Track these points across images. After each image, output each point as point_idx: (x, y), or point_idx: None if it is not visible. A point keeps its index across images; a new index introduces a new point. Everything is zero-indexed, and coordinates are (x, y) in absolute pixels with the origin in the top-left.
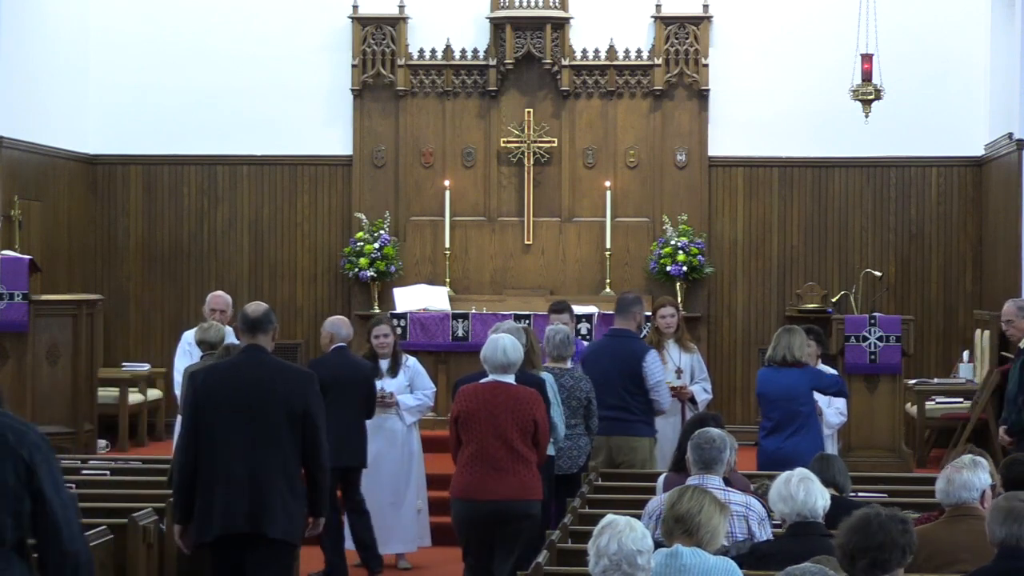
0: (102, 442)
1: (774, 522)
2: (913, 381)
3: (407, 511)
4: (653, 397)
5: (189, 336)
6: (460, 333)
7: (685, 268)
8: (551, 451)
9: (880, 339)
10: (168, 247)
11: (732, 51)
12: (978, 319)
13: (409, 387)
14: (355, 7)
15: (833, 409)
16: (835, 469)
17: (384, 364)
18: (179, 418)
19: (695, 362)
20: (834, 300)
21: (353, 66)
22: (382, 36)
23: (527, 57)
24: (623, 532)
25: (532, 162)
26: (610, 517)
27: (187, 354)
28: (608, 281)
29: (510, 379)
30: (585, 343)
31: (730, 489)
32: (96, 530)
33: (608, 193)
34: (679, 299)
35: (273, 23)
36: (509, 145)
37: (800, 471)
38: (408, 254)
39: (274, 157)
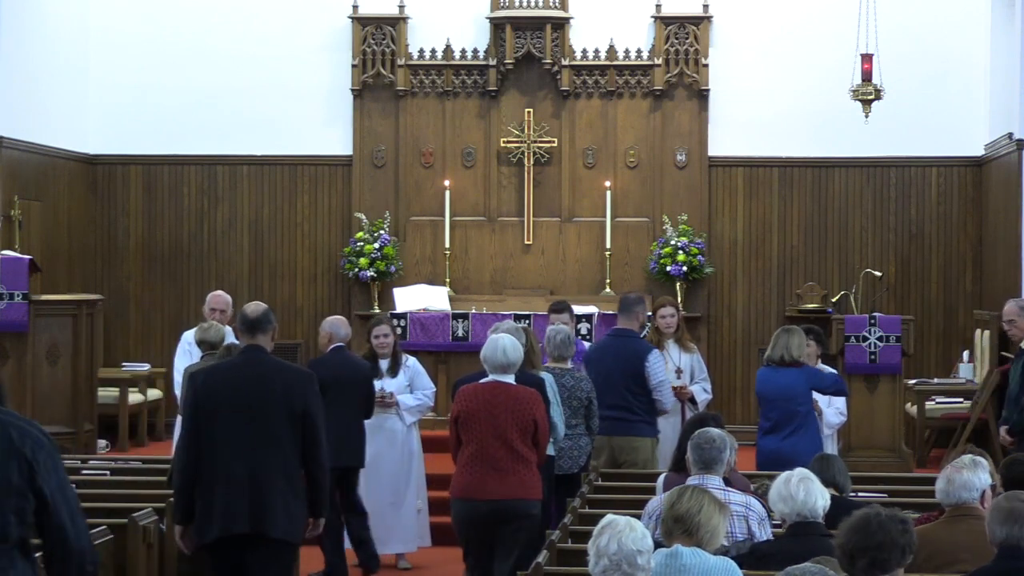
0: (102, 442)
1: (774, 522)
2: (913, 381)
3: (407, 511)
4: (656, 397)
5: (189, 336)
6: (460, 333)
7: (685, 268)
8: (551, 451)
9: (880, 339)
10: (168, 247)
11: (732, 51)
12: (978, 319)
13: (409, 387)
14: (355, 7)
15: (833, 409)
16: (835, 469)
17: (384, 364)
18: (179, 418)
19: (695, 362)
20: (834, 300)
21: (353, 66)
22: (382, 36)
23: (527, 57)
24: (623, 532)
25: (532, 162)
26: (610, 517)
27: (187, 354)
28: (608, 281)
29: (510, 379)
30: (585, 343)
31: (730, 489)
32: (96, 530)
33: (608, 193)
34: (679, 299)
35: (273, 23)
36: (509, 145)
37: (800, 471)
38: (408, 254)
39: (274, 157)
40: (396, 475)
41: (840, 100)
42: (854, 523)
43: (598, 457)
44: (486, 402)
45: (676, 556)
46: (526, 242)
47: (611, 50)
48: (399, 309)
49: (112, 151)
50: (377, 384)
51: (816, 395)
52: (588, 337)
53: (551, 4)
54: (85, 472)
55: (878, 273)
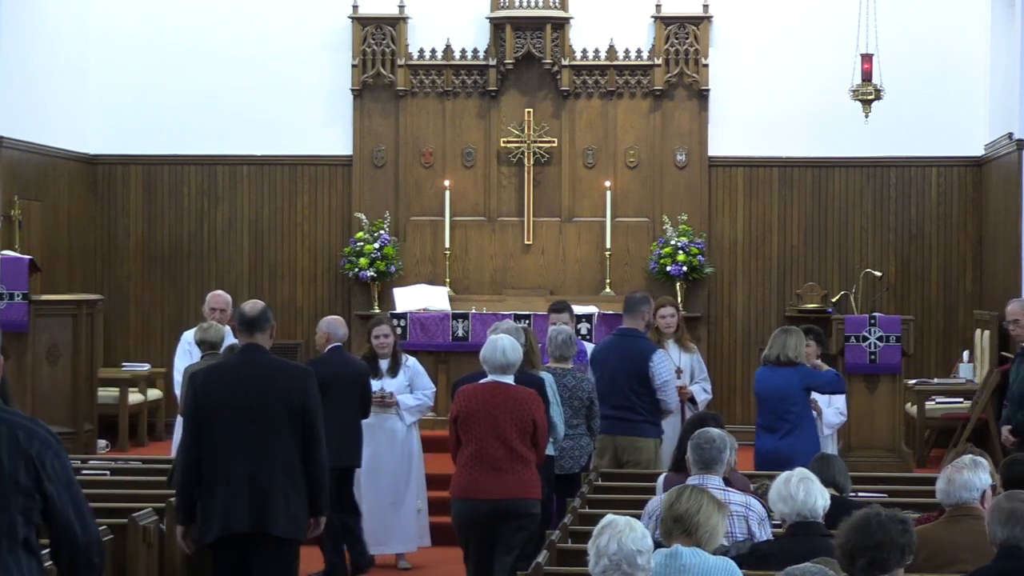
0: (102, 442)
1: (774, 522)
2: (913, 381)
3: (407, 511)
4: (660, 397)
5: (189, 336)
6: (460, 333)
7: (685, 268)
8: (552, 451)
9: (880, 339)
10: (168, 247)
11: (732, 51)
12: (978, 319)
13: (409, 387)
14: (355, 7)
15: (833, 409)
16: (835, 469)
17: (384, 364)
18: (179, 418)
19: (695, 362)
20: (834, 300)
21: (353, 66)
22: (382, 36)
23: (527, 57)
24: (623, 532)
25: (532, 162)
26: (610, 517)
27: (187, 354)
28: (608, 281)
29: (509, 379)
30: (586, 343)
31: (730, 489)
32: None
33: (608, 193)
34: (679, 299)
35: (273, 23)
36: (509, 145)
37: (800, 471)
38: (408, 254)
39: (274, 157)
40: (396, 475)
41: (840, 100)
42: (854, 523)
43: (602, 457)
44: (485, 402)
45: (676, 556)
46: (526, 242)
47: (611, 50)
48: (399, 309)
49: (112, 151)
50: (377, 384)
51: (816, 395)
52: (588, 337)
53: (551, 4)
54: (85, 472)
55: (878, 273)
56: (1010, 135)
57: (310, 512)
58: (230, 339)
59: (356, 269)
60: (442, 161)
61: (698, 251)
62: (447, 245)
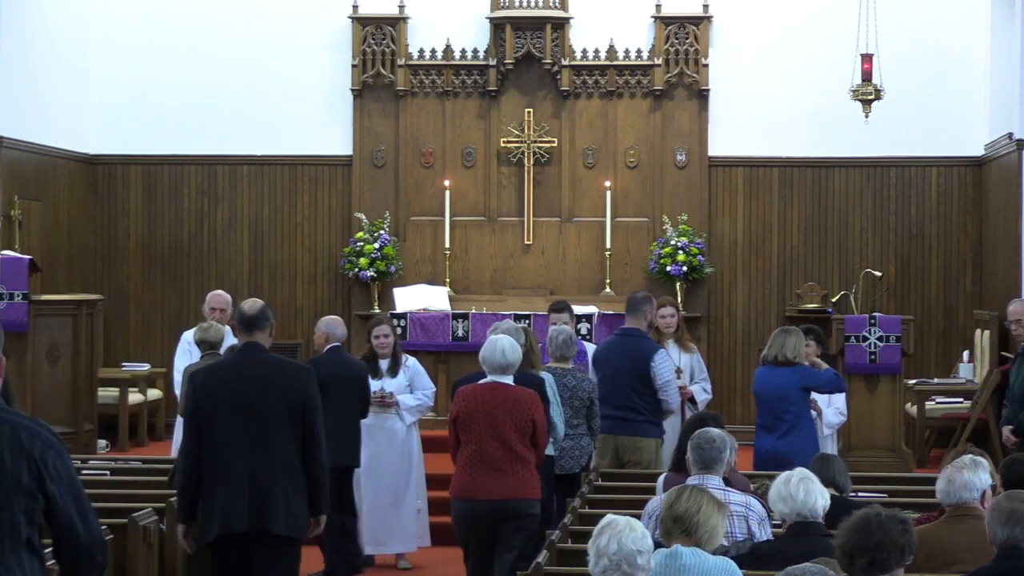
0: (102, 442)
1: (774, 522)
2: (913, 381)
3: (407, 511)
4: (662, 397)
5: (189, 336)
6: (460, 333)
7: (685, 268)
8: (552, 451)
9: (880, 339)
10: (168, 247)
11: (732, 51)
12: (978, 319)
13: (409, 387)
14: (355, 7)
15: (833, 409)
16: (835, 469)
17: (384, 364)
18: (179, 418)
19: (695, 362)
20: (834, 300)
21: (353, 66)
22: (382, 36)
23: (527, 57)
24: (623, 532)
25: (532, 162)
26: (610, 517)
27: (187, 354)
28: (608, 281)
29: (508, 380)
30: (586, 343)
31: (730, 489)
32: None
33: (608, 193)
34: (679, 299)
35: (273, 23)
36: (509, 145)
37: (800, 471)
38: (408, 254)
39: (274, 157)
40: (396, 475)
41: (840, 100)
42: (854, 523)
43: (603, 456)
44: (484, 403)
45: (676, 556)
46: (526, 242)
47: (611, 50)
48: (399, 309)
49: (112, 151)
50: (377, 384)
51: (816, 395)
52: (588, 337)
53: (551, 4)
54: (85, 472)
55: (878, 273)
56: (1010, 135)
57: (310, 511)
58: (230, 339)
59: (356, 269)
60: (442, 161)
61: (698, 251)
62: (447, 245)
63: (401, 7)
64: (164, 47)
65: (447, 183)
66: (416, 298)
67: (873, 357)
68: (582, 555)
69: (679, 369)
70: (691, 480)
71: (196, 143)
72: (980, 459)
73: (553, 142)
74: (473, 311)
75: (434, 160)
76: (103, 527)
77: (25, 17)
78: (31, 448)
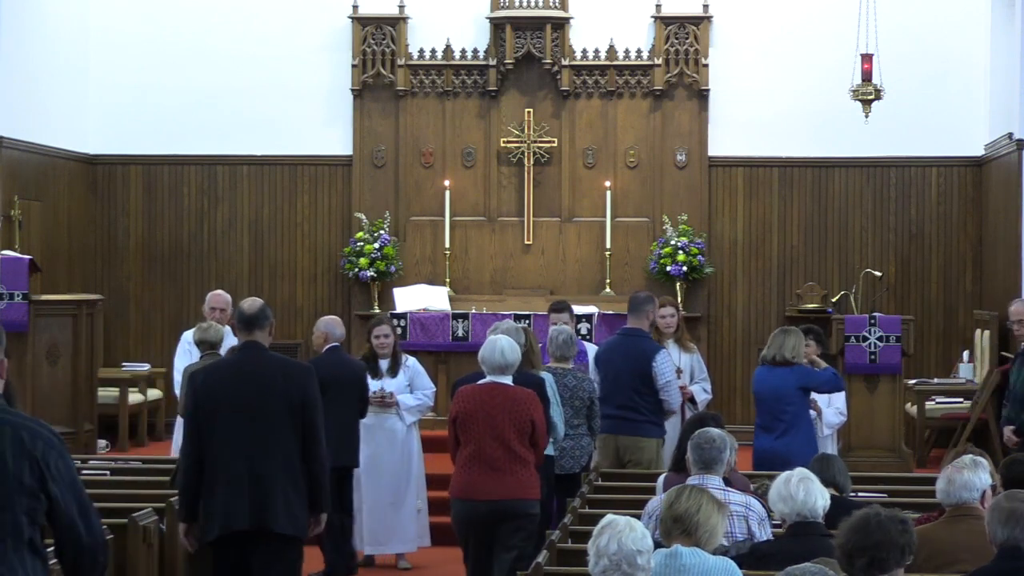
0: (102, 442)
1: (774, 522)
2: (913, 381)
3: (407, 511)
4: (663, 397)
5: (189, 336)
6: (460, 333)
7: (685, 268)
8: (552, 451)
9: (880, 339)
10: (168, 247)
11: (732, 51)
12: (978, 319)
13: (409, 387)
14: (355, 7)
15: (833, 409)
16: (835, 469)
17: (384, 364)
18: (179, 419)
19: (695, 362)
20: (834, 300)
21: (353, 66)
22: (382, 36)
23: (527, 57)
24: (623, 532)
25: (532, 162)
26: (610, 517)
27: (187, 354)
28: (608, 281)
29: (508, 380)
30: (586, 343)
31: (730, 489)
32: None
33: (608, 193)
34: (679, 299)
35: (273, 23)
36: (509, 145)
37: (800, 471)
38: (408, 254)
39: (274, 157)
40: (396, 475)
41: (840, 100)
42: (854, 523)
43: (604, 456)
44: (483, 403)
45: (675, 556)
46: (526, 242)
47: (611, 50)
48: (399, 309)
49: (112, 151)
50: (377, 384)
51: (815, 395)
52: (588, 337)
53: (551, 4)
54: (85, 472)
55: (878, 273)
56: (1010, 135)
57: (310, 510)
58: (230, 339)
59: (356, 269)
60: (442, 161)
61: (698, 251)
62: (447, 245)
63: (401, 7)
64: (164, 47)
65: (447, 183)
66: (416, 298)
67: (873, 357)
68: (582, 555)
69: (679, 369)
70: (691, 480)
71: (196, 143)
72: (980, 459)
73: (553, 142)
74: (473, 311)
75: (434, 160)
76: (103, 527)
77: (25, 17)
78: (33, 449)
